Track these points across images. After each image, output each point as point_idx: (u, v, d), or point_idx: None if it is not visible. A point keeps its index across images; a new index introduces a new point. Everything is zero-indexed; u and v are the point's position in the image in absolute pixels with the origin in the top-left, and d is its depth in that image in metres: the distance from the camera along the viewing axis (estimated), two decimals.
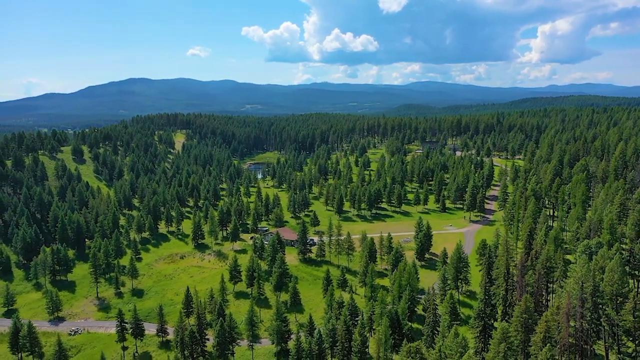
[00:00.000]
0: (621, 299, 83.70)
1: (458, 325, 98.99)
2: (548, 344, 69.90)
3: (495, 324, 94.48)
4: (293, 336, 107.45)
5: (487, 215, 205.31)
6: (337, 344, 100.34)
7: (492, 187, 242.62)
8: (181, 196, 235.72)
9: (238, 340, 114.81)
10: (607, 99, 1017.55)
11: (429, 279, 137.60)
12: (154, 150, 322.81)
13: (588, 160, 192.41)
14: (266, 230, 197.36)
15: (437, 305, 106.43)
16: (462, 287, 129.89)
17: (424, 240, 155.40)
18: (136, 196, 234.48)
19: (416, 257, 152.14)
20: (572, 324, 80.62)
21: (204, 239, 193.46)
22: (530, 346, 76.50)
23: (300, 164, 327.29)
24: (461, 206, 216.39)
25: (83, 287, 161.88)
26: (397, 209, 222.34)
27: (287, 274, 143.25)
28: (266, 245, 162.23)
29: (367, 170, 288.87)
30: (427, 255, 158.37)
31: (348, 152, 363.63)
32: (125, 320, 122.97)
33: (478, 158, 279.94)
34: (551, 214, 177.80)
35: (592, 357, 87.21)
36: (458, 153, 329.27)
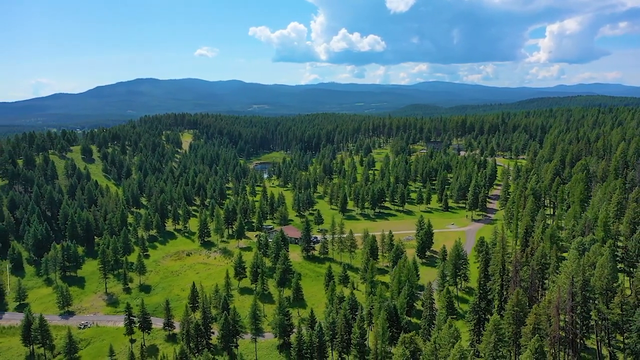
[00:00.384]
0: (611, 294, 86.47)
1: (454, 319, 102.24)
2: (537, 335, 72.83)
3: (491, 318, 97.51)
4: (295, 330, 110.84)
5: (489, 214, 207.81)
6: (337, 337, 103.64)
7: (494, 186, 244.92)
8: (188, 195, 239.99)
9: (242, 334, 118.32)
10: (614, 99, 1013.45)
11: (429, 276, 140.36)
12: (162, 149, 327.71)
13: (588, 160, 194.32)
14: (271, 229, 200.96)
15: (434, 299, 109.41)
16: (461, 283, 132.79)
17: (425, 238, 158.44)
18: (144, 195, 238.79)
19: (417, 255, 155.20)
20: (562, 317, 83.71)
21: (210, 236, 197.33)
22: (521, 337, 79.54)
23: (305, 164, 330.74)
24: (464, 205, 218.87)
25: (92, 282, 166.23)
26: (400, 208, 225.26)
27: (291, 271, 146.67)
28: (270, 243, 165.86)
29: (372, 169, 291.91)
30: (428, 253, 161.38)
31: (353, 152, 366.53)
32: (133, 315, 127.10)
33: (482, 158, 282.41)
34: (551, 212, 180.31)
35: (584, 351, 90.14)
36: (462, 153, 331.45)
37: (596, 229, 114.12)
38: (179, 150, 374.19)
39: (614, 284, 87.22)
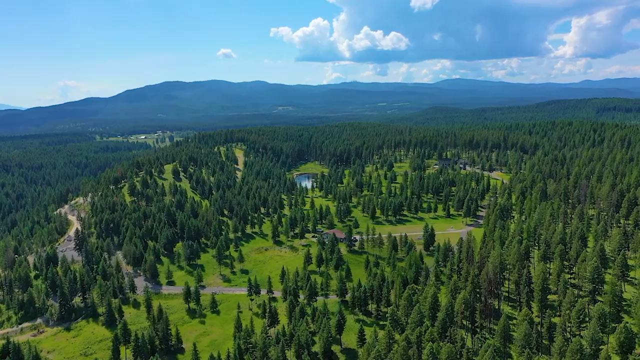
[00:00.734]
0: (518, 268, 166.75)
1: (441, 284, 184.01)
2: (470, 285, 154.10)
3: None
4: (349, 292, 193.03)
5: (478, 220, 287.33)
6: (374, 294, 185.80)
7: (487, 197, 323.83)
8: (256, 206, 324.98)
9: (318, 295, 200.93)
10: (629, 102, 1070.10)
11: (431, 262, 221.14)
12: (228, 168, 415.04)
13: (547, 182, 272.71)
14: (322, 232, 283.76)
15: (429, 273, 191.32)
16: (448, 265, 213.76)
17: (429, 237, 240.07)
18: (225, 206, 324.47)
19: (423, 249, 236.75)
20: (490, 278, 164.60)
21: (279, 237, 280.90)
22: (465, 288, 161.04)
23: (340, 178, 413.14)
24: (461, 213, 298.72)
25: (209, 268, 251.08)
26: (415, 215, 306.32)
27: (342, 259, 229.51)
28: (326, 241, 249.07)
29: (394, 183, 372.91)
30: (431, 248, 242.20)
31: (378, 167, 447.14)
32: (251, 284, 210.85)
33: (481, 173, 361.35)
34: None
35: (501, 301, 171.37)
36: (468, 168, 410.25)
37: (523, 232, 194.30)
38: (236, 166, 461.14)
39: (520, 262, 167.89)
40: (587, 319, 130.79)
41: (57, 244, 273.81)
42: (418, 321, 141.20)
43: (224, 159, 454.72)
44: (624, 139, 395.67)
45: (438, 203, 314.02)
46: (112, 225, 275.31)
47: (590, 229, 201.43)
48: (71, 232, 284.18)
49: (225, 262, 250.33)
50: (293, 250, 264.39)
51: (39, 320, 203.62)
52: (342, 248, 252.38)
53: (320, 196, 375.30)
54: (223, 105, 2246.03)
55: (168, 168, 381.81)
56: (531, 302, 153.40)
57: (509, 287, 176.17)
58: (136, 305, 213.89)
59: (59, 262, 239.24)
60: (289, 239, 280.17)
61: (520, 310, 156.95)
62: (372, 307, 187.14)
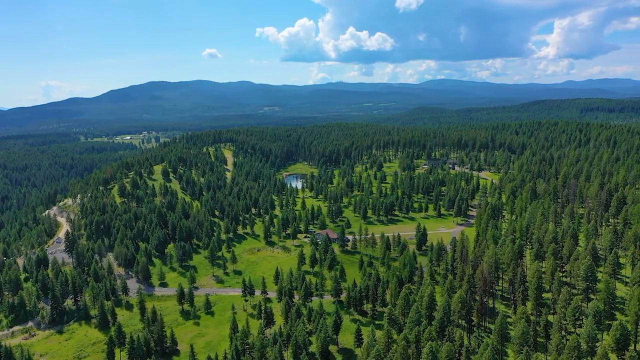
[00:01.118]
0: (512, 267, 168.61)
1: (435, 283, 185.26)
2: (467, 284, 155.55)
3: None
4: (344, 292, 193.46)
5: (469, 220, 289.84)
6: (370, 294, 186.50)
7: (477, 197, 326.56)
8: (248, 206, 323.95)
9: (313, 295, 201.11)
10: (611, 102, 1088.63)
11: (424, 262, 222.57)
12: (217, 169, 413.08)
13: (537, 182, 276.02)
14: (314, 232, 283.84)
15: (423, 273, 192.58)
16: (441, 265, 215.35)
17: (421, 237, 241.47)
18: (216, 207, 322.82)
19: (416, 248, 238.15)
20: (486, 277, 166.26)
21: (271, 237, 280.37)
22: (461, 287, 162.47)
23: (330, 178, 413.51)
24: (452, 213, 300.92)
25: (201, 269, 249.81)
26: (406, 215, 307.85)
27: (336, 259, 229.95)
28: (319, 241, 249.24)
29: (384, 183, 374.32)
30: (423, 247, 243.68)
31: (368, 167, 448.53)
32: (246, 284, 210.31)
33: (470, 173, 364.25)
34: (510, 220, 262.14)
35: (492, 295, 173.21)
36: (457, 168, 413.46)
37: (516, 232, 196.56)
38: (225, 166, 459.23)
39: (514, 261, 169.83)
40: (582, 316, 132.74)
41: (47, 246, 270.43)
42: (416, 320, 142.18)
43: (213, 160, 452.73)
44: (609, 138, 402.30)
45: (429, 203, 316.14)
46: (102, 226, 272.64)
47: (581, 227, 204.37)
48: (60, 234, 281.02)
49: (218, 263, 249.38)
50: (286, 250, 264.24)
51: (30, 324, 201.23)
52: (335, 248, 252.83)
53: (310, 196, 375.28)
54: (209, 105, 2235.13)
55: (157, 169, 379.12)
56: (526, 301, 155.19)
57: (502, 286, 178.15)
58: (129, 307, 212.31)
59: (50, 265, 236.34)
60: (281, 239, 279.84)
61: (515, 309, 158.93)
62: (367, 307, 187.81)
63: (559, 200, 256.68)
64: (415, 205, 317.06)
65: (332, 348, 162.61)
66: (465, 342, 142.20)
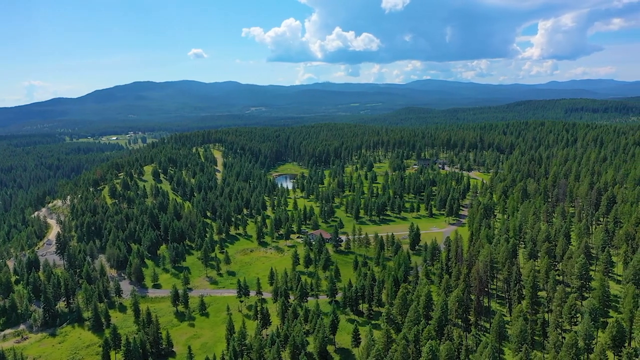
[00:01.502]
0: (507, 266, 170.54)
1: (430, 283, 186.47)
2: (463, 283, 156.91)
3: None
4: (339, 292, 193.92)
5: (461, 219, 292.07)
6: (365, 294, 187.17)
7: (468, 197, 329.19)
8: (239, 207, 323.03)
9: (309, 295, 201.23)
10: (595, 102, 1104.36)
11: (418, 261, 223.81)
12: (208, 169, 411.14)
13: (527, 181, 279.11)
14: (307, 232, 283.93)
15: (418, 272, 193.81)
16: (436, 264, 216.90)
17: (414, 237, 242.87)
18: (208, 208, 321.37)
19: (409, 248, 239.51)
20: (481, 276, 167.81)
21: (264, 238, 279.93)
22: (457, 286, 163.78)
23: (321, 178, 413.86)
24: (444, 212, 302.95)
25: (195, 270, 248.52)
26: (398, 215, 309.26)
27: (330, 259, 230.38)
28: (312, 242, 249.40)
29: (375, 183, 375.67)
30: (417, 247, 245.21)
31: (358, 167, 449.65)
32: (241, 285, 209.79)
33: (460, 173, 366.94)
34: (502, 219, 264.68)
35: (487, 296, 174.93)
36: (447, 168, 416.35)
37: (509, 231, 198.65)
38: (215, 167, 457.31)
39: (508, 260, 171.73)
40: (577, 314, 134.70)
41: (37, 248, 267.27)
42: (415, 320, 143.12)
43: (203, 160, 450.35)
44: (596, 138, 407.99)
45: (420, 203, 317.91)
46: (93, 228, 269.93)
47: (572, 226, 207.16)
48: (51, 236, 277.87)
49: (212, 264, 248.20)
50: (279, 251, 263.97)
51: (22, 327, 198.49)
52: (329, 248, 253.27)
53: (302, 197, 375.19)
54: (195, 105, 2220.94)
55: (148, 169, 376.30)
56: (521, 299, 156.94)
57: (496, 285, 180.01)
58: (122, 309, 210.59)
59: (41, 267, 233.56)
60: (274, 240, 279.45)
61: (510, 308, 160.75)
62: (363, 307, 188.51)
63: (550, 200, 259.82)
64: (407, 205, 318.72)
65: (330, 348, 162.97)
66: (463, 341, 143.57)
